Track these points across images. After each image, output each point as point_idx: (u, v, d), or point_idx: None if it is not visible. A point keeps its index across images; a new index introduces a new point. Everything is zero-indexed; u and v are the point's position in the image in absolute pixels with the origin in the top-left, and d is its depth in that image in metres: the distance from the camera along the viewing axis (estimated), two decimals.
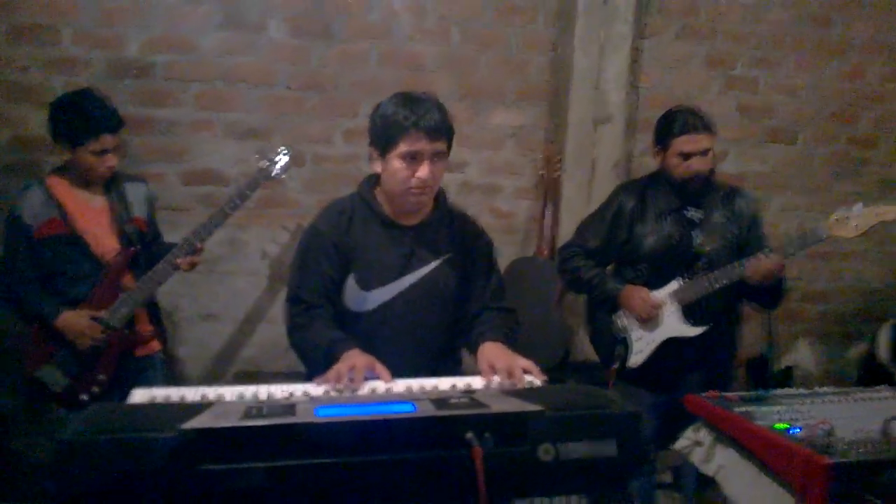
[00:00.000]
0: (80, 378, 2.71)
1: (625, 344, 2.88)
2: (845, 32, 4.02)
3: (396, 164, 2.03)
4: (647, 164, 3.85)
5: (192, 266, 2.83)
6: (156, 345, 2.91)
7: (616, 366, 2.86)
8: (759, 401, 2.28)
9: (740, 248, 2.81)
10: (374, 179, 2.18)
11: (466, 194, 3.79)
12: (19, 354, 2.74)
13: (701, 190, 2.81)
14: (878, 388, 2.47)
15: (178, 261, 2.76)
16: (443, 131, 2.01)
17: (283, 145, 3.01)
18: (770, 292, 2.78)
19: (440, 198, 2.23)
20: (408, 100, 2.02)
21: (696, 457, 2.32)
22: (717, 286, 2.72)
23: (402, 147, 2.00)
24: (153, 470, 1.24)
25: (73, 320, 2.66)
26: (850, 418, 2.04)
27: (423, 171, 2.01)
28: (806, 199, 4.12)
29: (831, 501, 1.77)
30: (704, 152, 2.73)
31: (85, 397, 2.69)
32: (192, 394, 1.67)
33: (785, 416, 2.12)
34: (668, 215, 2.83)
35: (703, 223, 2.82)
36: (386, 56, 3.64)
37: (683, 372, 2.84)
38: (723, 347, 2.92)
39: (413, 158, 2.01)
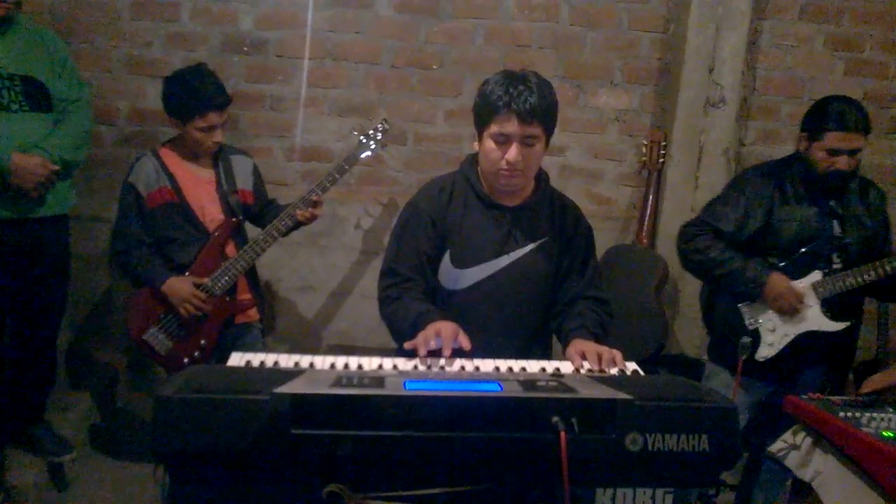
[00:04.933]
0: (184, 342, 2.84)
1: (755, 335, 2.74)
2: None
3: (489, 143, 2.02)
4: (759, 151, 3.70)
5: (313, 217, 2.93)
6: (254, 313, 3.01)
7: (743, 358, 2.64)
8: (866, 406, 2.16)
9: (876, 241, 2.70)
10: (477, 158, 2.18)
11: (566, 178, 3.73)
12: (129, 316, 2.88)
13: (846, 181, 2.68)
14: None
15: (299, 212, 2.86)
16: (537, 116, 1.97)
17: (382, 119, 3.06)
18: None
19: (542, 180, 2.21)
20: (509, 79, 1.99)
21: (792, 461, 2.22)
22: (866, 280, 2.60)
23: (494, 127, 1.99)
24: (245, 430, 1.28)
25: (178, 286, 2.78)
26: None
27: (512, 153, 1.98)
28: None
29: None
30: (853, 152, 2.59)
31: (187, 361, 2.82)
32: (285, 360, 1.72)
33: (893, 423, 2.00)
34: (808, 203, 2.70)
35: (844, 213, 2.70)
36: (491, 34, 3.61)
37: (803, 368, 2.74)
38: (847, 345, 2.80)
39: (503, 140, 1.99)
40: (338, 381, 1.38)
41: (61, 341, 3.35)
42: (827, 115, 2.61)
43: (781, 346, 2.71)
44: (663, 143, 3.57)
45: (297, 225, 2.94)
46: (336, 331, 3.80)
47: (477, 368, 1.78)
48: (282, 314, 3.78)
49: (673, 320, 3.65)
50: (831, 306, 2.66)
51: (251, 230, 3.06)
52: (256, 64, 3.58)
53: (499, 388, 1.39)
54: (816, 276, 2.67)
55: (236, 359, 1.73)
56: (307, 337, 3.81)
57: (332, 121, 3.65)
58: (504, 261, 2.14)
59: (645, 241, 3.59)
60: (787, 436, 2.29)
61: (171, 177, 2.84)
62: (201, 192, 2.88)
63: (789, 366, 2.73)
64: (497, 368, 1.78)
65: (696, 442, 1.39)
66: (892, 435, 1.90)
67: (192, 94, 2.75)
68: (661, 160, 3.58)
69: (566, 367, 1.84)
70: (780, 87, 3.70)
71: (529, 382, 1.44)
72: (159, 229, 2.85)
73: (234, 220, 2.89)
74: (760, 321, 2.75)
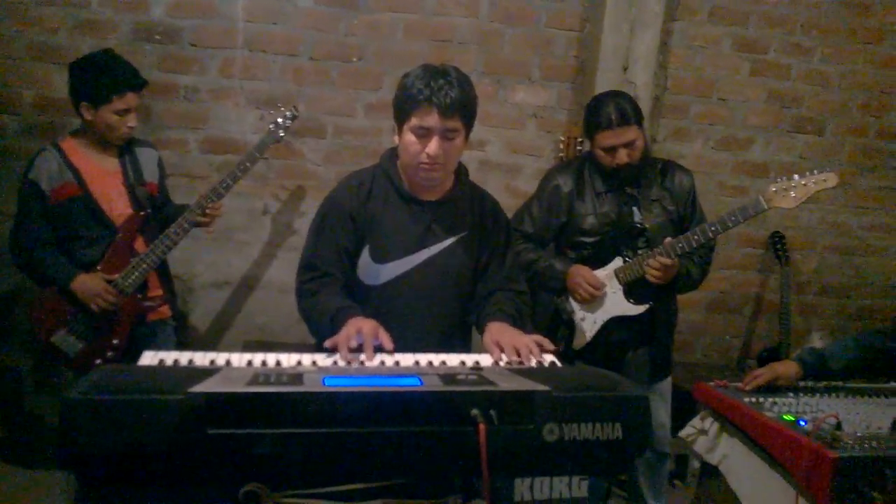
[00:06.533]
0: (95, 343, 2.74)
1: (569, 325, 2.85)
2: (883, 19, 3.92)
3: (409, 137, 2.02)
4: (671, 148, 3.82)
5: (211, 220, 2.86)
6: (166, 310, 2.93)
7: (561, 348, 2.81)
8: (768, 392, 2.27)
9: (681, 224, 2.79)
10: (397, 152, 2.17)
11: (486, 173, 3.77)
12: (34, 319, 2.76)
13: (635, 170, 2.77)
14: (890, 385, 2.46)
15: (194, 217, 2.78)
16: (457, 109, 1.98)
17: (291, 106, 3.02)
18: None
19: (461, 175, 2.23)
20: (428, 73, 2.00)
21: (701, 445, 2.32)
22: None
23: (414, 121, 1.99)
24: (159, 431, 1.25)
25: (88, 282, 2.68)
26: (859, 413, 2.03)
27: (432, 147, 1.99)
28: (831, 192, 4.01)
29: (834, 496, 1.77)
30: (629, 144, 2.69)
31: (99, 363, 2.72)
32: (200, 359, 1.68)
33: (794, 408, 2.11)
34: (607, 193, 2.80)
35: (642, 200, 2.79)
36: (412, 28, 3.61)
37: (627, 351, 2.84)
38: (664, 326, 2.90)
39: (424, 133, 2.00)
40: (255, 379, 1.36)
41: None
42: (593, 117, 2.73)
43: (594, 334, 2.81)
44: (580, 140, 3.65)
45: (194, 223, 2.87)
46: (253, 326, 3.74)
47: (397, 363, 1.78)
48: (196, 311, 3.69)
49: None
50: (634, 291, 2.75)
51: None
52: (170, 53, 3.48)
53: (419, 383, 1.40)
54: (618, 262, 2.77)
55: (148, 358, 1.67)
56: (223, 333, 3.73)
57: (249, 113, 3.57)
58: (423, 255, 2.15)
59: None
60: (696, 421, 2.39)
61: (74, 171, 2.73)
62: (107, 185, 2.78)
63: (612, 353, 2.82)
64: (417, 363, 1.79)
65: (609, 430, 1.43)
66: (792, 418, 2.01)
67: (109, 74, 2.67)
68: (578, 155, 3.65)
69: (485, 361, 1.86)
70: (690, 87, 3.84)
71: (449, 376, 1.45)
72: (64, 226, 2.73)
73: (142, 213, 2.80)
74: (573, 312, 2.85)
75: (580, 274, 2.76)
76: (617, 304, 2.77)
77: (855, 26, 3.91)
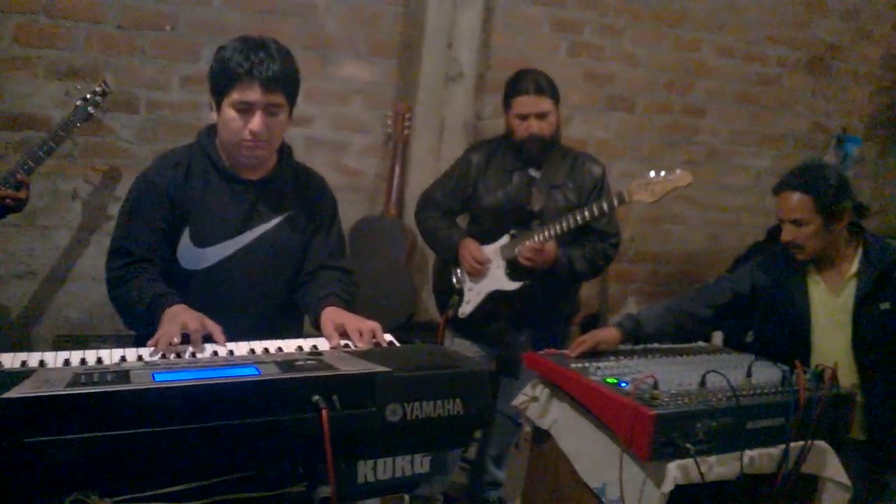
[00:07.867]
0: None
1: (460, 294, 2.99)
2: (684, 5, 4.22)
3: (229, 113, 1.94)
4: (496, 125, 3.91)
5: (16, 201, 2.60)
6: None
7: (449, 314, 2.98)
8: (592, 357, 2.41)
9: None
10: (215, 129, 2.07)
11: (312, 150, 3.68)
12: None
13: (542, 151, 2.87)
14: (697, 344, 2.70)
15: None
16: (280, 83, 1.92)
17: (101, 81, 2.81)
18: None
19: (285, 152, 2.16)
20: (247, 45, 1.92)
21: (533, 411, 2.42)
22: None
23: (235, 96, 1.91)
24: None
25: None
26: (673, 372, 2.20)
27: (255, 123, 1.92)
28: (641, 166, 4.21)
29: (654, 450, 1.91)
30: (542, 115, 2.81)
31: None
32: (9, 360, 1.53)
33: (615, 371, 2.25)
34: (513, 173, 2.91)
35: (542, 183, 2.90)
36: None
37: (512, 328, 2.97)
38: (551, 306, 3.00)
39: (246, 109, 1.92)
40: (76, 380, 1.26)
41: None
42: (512, 85, 2.88)
43: (477, 304, 2.95)
44: (408, 116, 3.66)
45: (4, 209, 2.61)
46: (65, 320, 3.44)
47: (231, 353, 1.72)
48: None
49: (423, 287, 3.78)
50: (512, 268, 2.89)
51: None
52: None
53: (256, 372, 1.35)
54: (505, 239, 2.92)
55: None
56: (30, 330, 3.41)
57: (49, 85, 3.25)
58: (248, 237, 2.07)
59: (393, 211, 3.67)
60: (528, 389, 2.48)
61: None
62: None
63: (491, 326, 2.97)
64: (252, 351, 1.73)
65: (451, 406, 1.46)
66: (614, 381, 2.14)
67: None
68: (406, 132, 3.67)
69: (323, 345, 1.83)
70: (512, 65, 3.91)
71: (288, 363, 1.42)
72: None
73: None
74: (464, 282, 2.99)
75: (468, 247, 2.91)
76: (497, 279, 2.90)
77: (659, 10, 4.18)
